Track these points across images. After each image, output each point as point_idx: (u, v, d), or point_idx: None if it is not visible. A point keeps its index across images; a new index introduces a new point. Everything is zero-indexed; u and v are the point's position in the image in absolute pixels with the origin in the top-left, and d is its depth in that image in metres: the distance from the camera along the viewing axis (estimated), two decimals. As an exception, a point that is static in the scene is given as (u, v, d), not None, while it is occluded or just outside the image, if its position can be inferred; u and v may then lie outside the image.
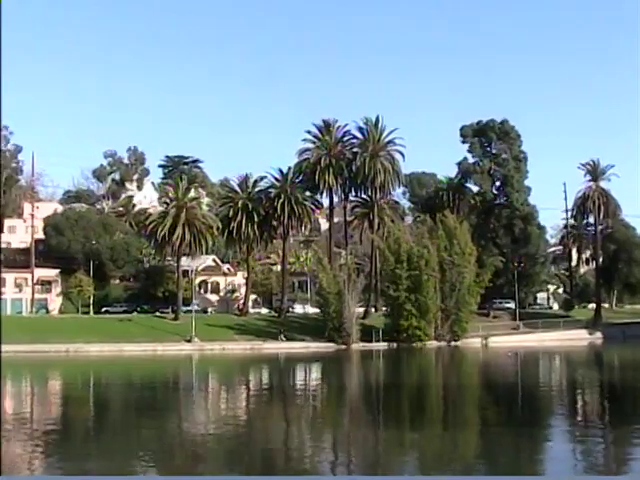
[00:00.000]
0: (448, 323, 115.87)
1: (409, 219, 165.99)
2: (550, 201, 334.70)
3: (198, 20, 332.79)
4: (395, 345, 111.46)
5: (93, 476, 27.40)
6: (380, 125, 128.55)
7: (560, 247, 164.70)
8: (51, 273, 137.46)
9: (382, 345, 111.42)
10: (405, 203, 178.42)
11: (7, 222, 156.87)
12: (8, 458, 31.73)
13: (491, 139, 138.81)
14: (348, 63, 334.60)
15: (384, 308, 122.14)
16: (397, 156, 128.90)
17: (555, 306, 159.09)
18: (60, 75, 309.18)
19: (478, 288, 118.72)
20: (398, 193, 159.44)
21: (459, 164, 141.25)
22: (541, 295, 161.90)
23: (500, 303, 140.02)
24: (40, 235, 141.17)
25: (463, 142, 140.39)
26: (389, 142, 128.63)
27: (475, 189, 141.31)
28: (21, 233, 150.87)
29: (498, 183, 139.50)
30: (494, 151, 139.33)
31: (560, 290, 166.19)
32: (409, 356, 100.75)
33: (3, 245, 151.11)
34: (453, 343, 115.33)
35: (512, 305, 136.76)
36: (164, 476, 28.15)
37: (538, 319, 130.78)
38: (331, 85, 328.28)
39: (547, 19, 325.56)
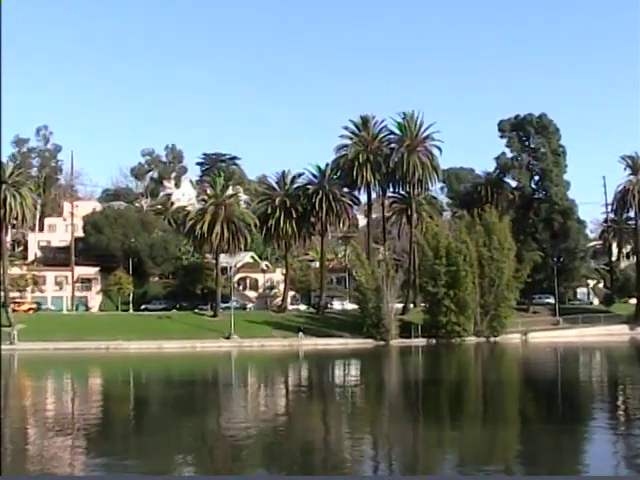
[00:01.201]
0: (487, 319, 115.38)
1: (447, 214, 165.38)
2: (590, 195, 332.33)
3: (234, 18, 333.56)
4: (434, 341, 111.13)
5: (93, 476, 27.41)
6: (418, 120, 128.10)
7: (600, 242, 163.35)
8: (91, 271, 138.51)
9: (421, 341, 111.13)
10: (443, 198, 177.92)
11: (47, 221, 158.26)
12: (50, 453, 31.95)
13: (529, 133, 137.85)
14: (386, 59, 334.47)
15: (423, 304, 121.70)
16: (435, 151, 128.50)
17: (595, 301, 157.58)
18: (98, 74, 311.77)
19: (517, 283, 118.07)
20: (436, 188, 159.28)
21: (497, 159, 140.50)
22: (581, 290, 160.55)
23: (539, 298, 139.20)
24: (80, 233, 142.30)
25: (501, 137, 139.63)
26: (427, 137, 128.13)
27: (513, 184, 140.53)
28: (61, 232, 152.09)
29: (537, 177, 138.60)
30: (532, 145, 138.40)
31: (600, 285, 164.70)
32: (448, 352, 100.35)
33: (43, 244, 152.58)
34: (492, 339, 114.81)
35: (552, 300, 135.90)
36: (164, 476, 28.07)
37: (578, 314, 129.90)
38: (368, 81, 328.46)
39: (585, 13, 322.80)
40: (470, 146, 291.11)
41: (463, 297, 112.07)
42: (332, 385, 65.30)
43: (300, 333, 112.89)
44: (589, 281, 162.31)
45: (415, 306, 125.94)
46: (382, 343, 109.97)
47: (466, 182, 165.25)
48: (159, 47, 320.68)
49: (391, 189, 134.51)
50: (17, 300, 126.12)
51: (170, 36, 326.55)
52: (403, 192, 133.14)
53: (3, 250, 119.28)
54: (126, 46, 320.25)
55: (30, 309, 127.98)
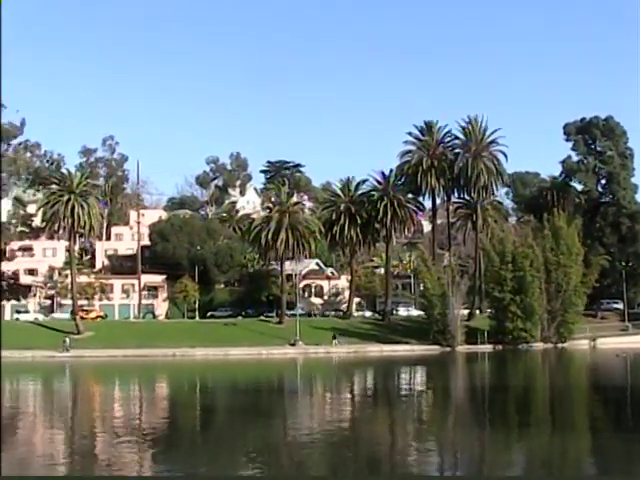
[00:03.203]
0: (554, 324, 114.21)
1: (512, 219, 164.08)
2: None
3: (300, 24, 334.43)
4: (500, 347, 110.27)
5: (93, 476, 27.51)
6: (482, 125, 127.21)
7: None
8: (157, 279, 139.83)
9: (487, 347, 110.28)
10: (508, 203, 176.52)
11: (114, 229, 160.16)
12: (117, 459, 32.24)
13: (595, 136, 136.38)
14: (449, 64, 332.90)
15: (488, 310, 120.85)
16: (500, 156, 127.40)
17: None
18: (163, 84, 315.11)
19: (585, 288, 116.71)
20: (501, 193, 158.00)
21: (563, 162, 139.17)
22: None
23: (608, 304, 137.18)
24: (146, 242, 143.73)
25: (567, 140, 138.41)
26: (491, 142, 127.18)
27: (580, 187, 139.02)
28: (127, 240, 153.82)
29: (604, 181, 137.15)
30: (599, 148, 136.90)
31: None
32: (515, 358, 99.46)
33: (111, 252, 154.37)
34: (560, 345, 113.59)
35: (620, 305, 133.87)
36: (163, 476, 28.07)
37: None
38: (431, 86, 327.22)
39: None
40: (536, 150, 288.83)
41: (530, 303, 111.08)
42: (398, 391, 65.04)
43: (334, 340, 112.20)
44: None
45: (481, 312, 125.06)
46: (448, 349, 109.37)
47: (532, 186, 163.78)
48: (222, 56, 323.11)
49: (456, 194, 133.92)
50: (85, 308, 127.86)
51: (236, 45, 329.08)
52: (468, 197, 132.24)
53: (72, 258, 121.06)
54: (191, 56, 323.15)
55: (98, 317, 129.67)
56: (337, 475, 29.55)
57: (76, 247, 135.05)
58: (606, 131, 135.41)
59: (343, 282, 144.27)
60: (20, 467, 31.22)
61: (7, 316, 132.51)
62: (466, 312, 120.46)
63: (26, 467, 31.35)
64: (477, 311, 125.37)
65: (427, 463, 31.36)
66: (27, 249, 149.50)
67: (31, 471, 30.34)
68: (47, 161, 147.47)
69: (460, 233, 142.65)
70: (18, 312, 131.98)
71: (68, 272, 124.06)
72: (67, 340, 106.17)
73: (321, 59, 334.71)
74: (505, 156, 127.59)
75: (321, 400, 59.10)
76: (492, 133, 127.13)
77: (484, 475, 28.61)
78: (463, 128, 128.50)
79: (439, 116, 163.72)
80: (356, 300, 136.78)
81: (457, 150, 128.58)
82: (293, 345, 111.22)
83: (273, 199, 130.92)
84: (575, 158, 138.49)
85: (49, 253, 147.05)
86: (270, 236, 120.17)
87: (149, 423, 45.00)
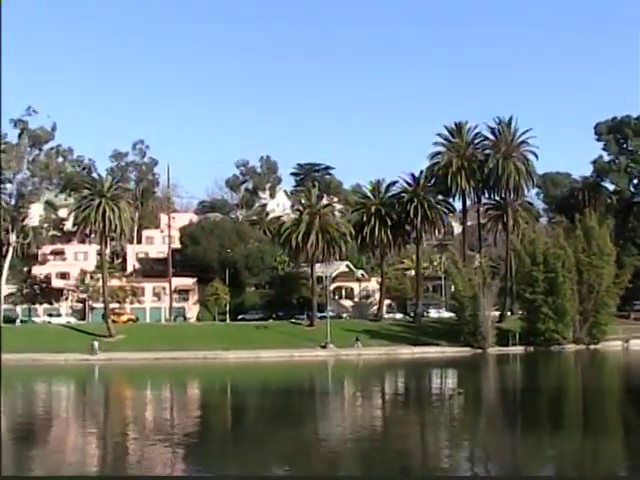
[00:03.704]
0: (586, 326, 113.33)
1: (543, 220, 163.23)
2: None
3: (330, 25, 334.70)
4: (532, 349, 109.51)
5: (93, 476, 27.56)
6: (513, 125, 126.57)
7: None
8: (188, 282, 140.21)
9: (519, 349, 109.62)
10: (539, 204, 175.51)
11: (145, 233, 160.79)
12: (149, 461, 32.38)
13: (627, 135, 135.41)
14: (479, 64, 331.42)
15: (520, 311, 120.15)
16: (530, 156, 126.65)
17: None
18: (193, 88, 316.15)
19: (617, 289, 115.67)
20: (532, 194, 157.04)
21: (594, 162, 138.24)
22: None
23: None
24: (177, 245, 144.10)
25: (598, 140, 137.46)
26: (522, 142, 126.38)
27: (611, 187, 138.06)
28: (158, 243, 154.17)
29: (636, 181, 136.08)
30: (630, 148, 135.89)
31: None
32: (547, 360, 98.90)
33: (142, 255, 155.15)
34: (592, 346, 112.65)
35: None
36: (163, 476, 28.09)
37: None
38: (460, 87, 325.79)
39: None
40: (566, 150, 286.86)
41: (562, 304, 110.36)
42: (430, 394, 64.92)
43: (357, 343, 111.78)
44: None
45: (512, 313, 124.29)
46: (479, 351, 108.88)
47: (562, 187, 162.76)
48: (252, 59, 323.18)
49: (486, 195, 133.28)
50: (117, 311, 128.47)
51: (265, 47, 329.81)
52: (498, 198, 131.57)
53: (103, 262, 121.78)
54: (221, 59, 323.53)
55: (129, 320, 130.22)
56: (368, 477, 29.54)
57: (107, 250, 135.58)
58: (638, 130, 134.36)
59: (373, 284, 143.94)
60: (54, 466, 31.46)
61: (40, 319, 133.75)
62: (497, 314, 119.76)
63: (59, 464, 31.60)
64: (508, 312, 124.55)
65: (459, 466, 31.27)
66: (59, 253, 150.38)
67: (63, 469, 30.57)
68: (79, 166, 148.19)
69: (491, 234, 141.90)
70: (50, 315, 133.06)
71: (99, 275, 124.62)
72: (95, 343, 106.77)
73: (350, 61, 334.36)
74: (536, 156, 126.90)
75: (352, 402, 59.11)
76: (523, 134, 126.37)
77: (517, 477, 28.43)
78: (493, 129, 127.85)
79: (469, 117, 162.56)
80: (387, 302, 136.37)
81: (487, 151, 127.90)
82: (324, 347, 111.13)
83: (303, 201, 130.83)
84: (606, 158, 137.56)
85: (81, 257, 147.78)
86: (300, 238, 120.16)
87: (180, 426, 45.18)
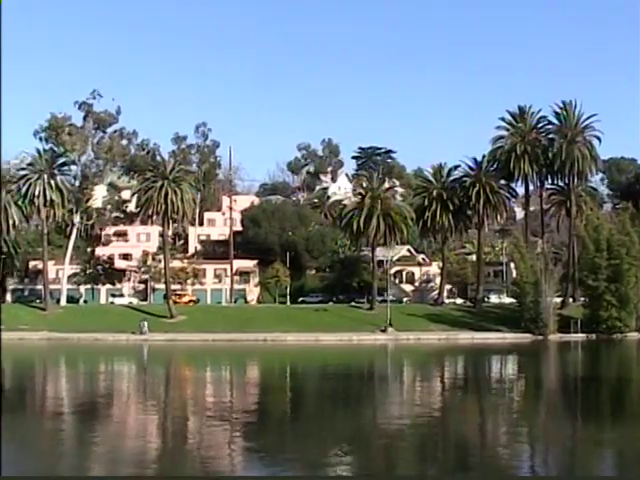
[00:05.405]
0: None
1: (608, 206, 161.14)
2: None
3: (381, 12, 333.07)
4: (594, 337, 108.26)
5: (93, 476, 27.65)
6: (577, 110, 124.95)
7: None
8: (249, 264, 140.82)
9: (580, 336, 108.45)
10: (603, 190, 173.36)
11: (207, 215, 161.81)
12: (210, 443, 32.61)
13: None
14: (542, 48, 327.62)
15: (582, 298, 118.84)
16: (594, 141, 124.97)
17: None
18: (255, 72, 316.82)
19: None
20: (596, 179, 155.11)
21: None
22: None
23: None
24: (238, 227, 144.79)
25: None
26: (586, 127, 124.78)
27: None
28: (220, 226, 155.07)
29: None
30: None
31: None
32: (609, 348, 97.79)
33: (203, 237, 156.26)
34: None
35: None
36: (162, 476, 28.06)
37: None
38: (524, 70, 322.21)
39: None
40: (632, 135, 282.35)
41: (625, 291, 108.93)
42: (490, 380, 64.57)
43: (390, 328, 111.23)
44: None
45: (574, 300, 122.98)
46: (540, 338, 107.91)
47: (628, 173, 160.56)
48: (313, 44, 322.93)
49: (549, 181, 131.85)
50: (178, 292, 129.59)
51: (327, 32, 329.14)
52: (562, 184, 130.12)
53: (165, 243, 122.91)
54: (282, 43, 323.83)
55: (190, 301, 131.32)
56: (424, 467, 29.44)
57: (169, 232, 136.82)
58: None
59: (434, 269, 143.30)
60: (116, 439, 31.88)
61: (102, 300, 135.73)
62: (559, 300, 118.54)
63: (121, 440, 32.01)
64: (570, 299, 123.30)
65: (517, 457, 31.02)
66: (122, 234, 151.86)
67: (126, 441, 30.94)
68: (143, 149, 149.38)
69: (553, 220, 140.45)
70: (113, 296, 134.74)
71: (161, 257, 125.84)
72: (145, 324, 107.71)
73: (412, 45, 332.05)
74: (600, 141, 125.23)
75: (411, 387, 58.99)
76: (587, 118, 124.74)
77: (576, 475, 28.05)
78: (557, 113, 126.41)
79: (532, 101, 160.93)
80: (447, 287, 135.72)
81: (551, 135, 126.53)
82: (384, 331, 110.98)
83: (365, 185, 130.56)
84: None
85: (143, 238, 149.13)
86: (362, 222, 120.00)
87: (240, 408, 45.46)
